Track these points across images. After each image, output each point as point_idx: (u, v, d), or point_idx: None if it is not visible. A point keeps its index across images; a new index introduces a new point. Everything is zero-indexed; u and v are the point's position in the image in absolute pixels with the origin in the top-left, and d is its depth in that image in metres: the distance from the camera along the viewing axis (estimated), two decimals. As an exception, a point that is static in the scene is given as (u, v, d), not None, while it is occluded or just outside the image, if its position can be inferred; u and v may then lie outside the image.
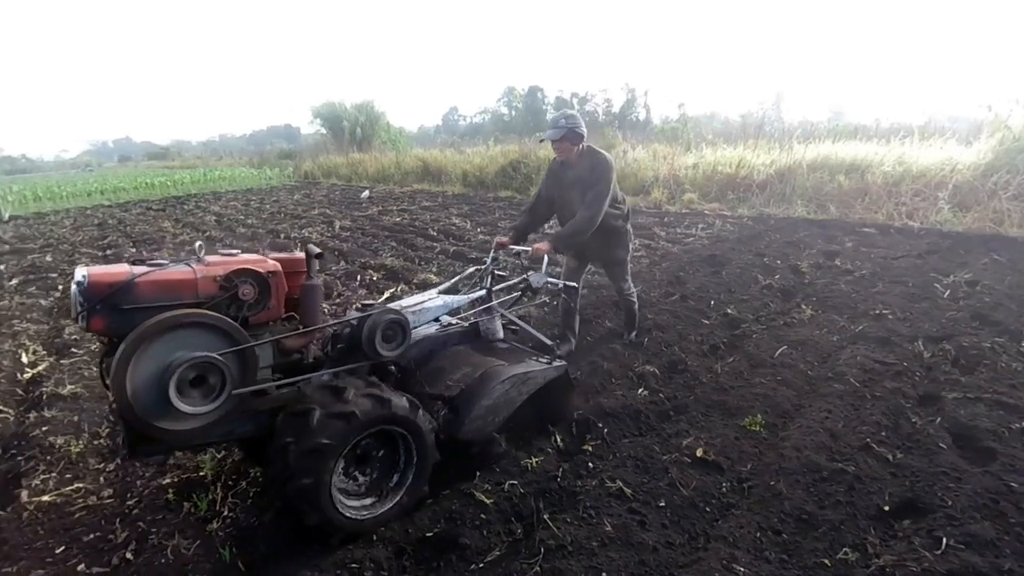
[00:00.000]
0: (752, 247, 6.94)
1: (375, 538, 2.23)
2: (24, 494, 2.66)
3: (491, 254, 3.42)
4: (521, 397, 2.64)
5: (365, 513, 2.27)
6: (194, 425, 2.03)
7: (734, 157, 11.21)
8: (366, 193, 14.89)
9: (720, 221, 8.85)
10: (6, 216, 15.00)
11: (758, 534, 2.20)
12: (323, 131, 30.73)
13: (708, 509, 2.38)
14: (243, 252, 2.39)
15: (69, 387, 3.75)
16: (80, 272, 2.01)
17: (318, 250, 2.44)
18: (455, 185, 15.90)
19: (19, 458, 2.96)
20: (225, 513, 2.48)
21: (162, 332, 1.96)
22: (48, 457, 2.96)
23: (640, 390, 3.32)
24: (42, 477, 2.80)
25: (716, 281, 5.50)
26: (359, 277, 6.38)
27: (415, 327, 2.74)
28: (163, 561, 2.21)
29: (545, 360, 2.84)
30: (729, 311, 4.67)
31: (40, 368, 4.20)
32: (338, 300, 5.57)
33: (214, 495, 2.59)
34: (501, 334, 3.05)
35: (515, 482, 2.48)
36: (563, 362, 2.87)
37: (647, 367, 3.57)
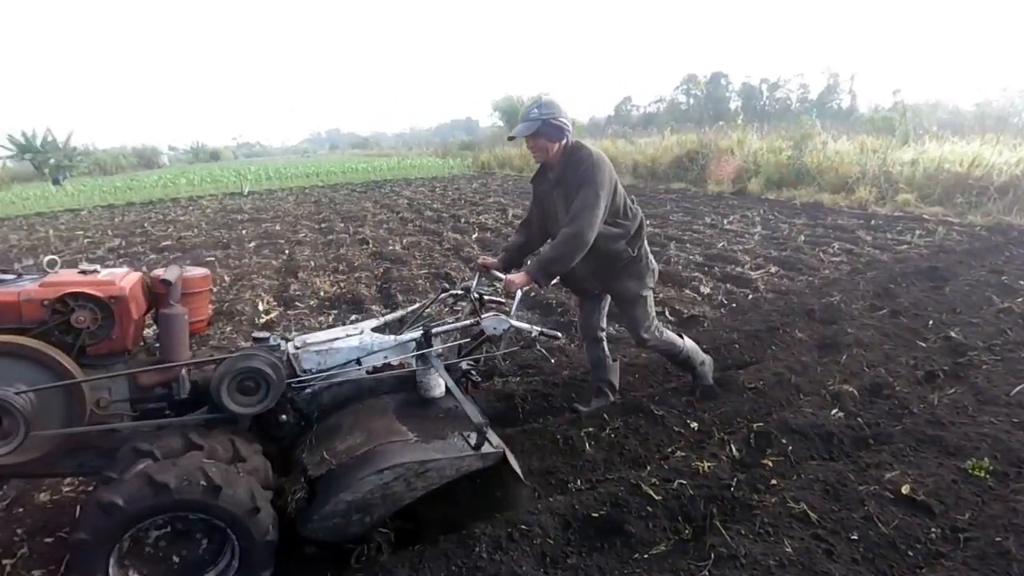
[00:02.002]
0: (986, 262, 5.83)
1: (540, 507, 2.32)
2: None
3: (475, 278, 2.80)
4: (412, 493, 1.98)
5: None
6: (15, 460, 1.86)
7: (966, 154, 9.47)
8: None
9: (943, 228, 7.57)
10: (246, 191, 18.25)
11: (975, 594, 1.88)
12: (500, 123, 32.23)
13: (911, 553, 2.09)
14: (106, 269, 2.12)
15: (293, 333, 4.48)
16: None
17: (174, 277, 2.14)
18: (625, 176, 15.66)
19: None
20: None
21: None
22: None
23: (834, 411, 3.00)
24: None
25: (937, 298, 4.73)
26: (526, 262, 6.64)
27: (320, 370, 2.29)
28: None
29: (471, 443, 2.07)
30: (953, 335, 3.98)
31: (272, 315, 5.08)
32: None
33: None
34: (438, 392, 2.34)
35: (685, 482, 2.41)
36: (497, 448, 2.07)
37: (844, 387, 3.21)
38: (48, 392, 1.88)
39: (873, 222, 8.22)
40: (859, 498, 2.31)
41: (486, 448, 2.05)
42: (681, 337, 3.09)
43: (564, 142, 2.66)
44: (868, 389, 3.26)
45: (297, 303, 5.41)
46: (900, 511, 2.25)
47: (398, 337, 2.42)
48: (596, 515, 2.27)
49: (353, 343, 2.36)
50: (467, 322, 2.49)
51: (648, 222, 9.52)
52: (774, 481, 2.47)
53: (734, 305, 4.89)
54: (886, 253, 6.46)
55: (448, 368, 2.44)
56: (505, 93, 32.74)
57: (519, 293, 2.65)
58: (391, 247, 7.85)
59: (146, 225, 11.79)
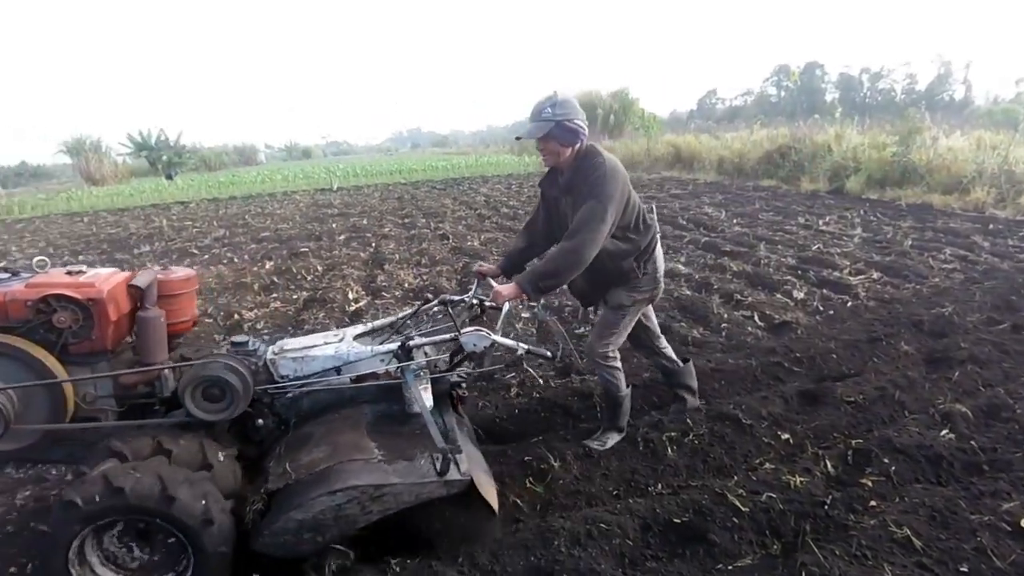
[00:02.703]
0: None
1: (620, 508, 2.32)
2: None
3: (474, 286, 2.66)
4: (367, 517, 1.93)
5: None
6: (3, 448, 2.02)
7: (1109, 150, 8.37)
8: None
9: (1077, 234, 6.75)
10: (335, 187, 19.24)
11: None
12: (577, 120, 32.06)
13: (1031, 594, 1.91)
14: (92, 270, 2.19)
15: (379, 320, 4.68)
16: None
17: (146, 281, 2.19)
18: (708, 172, 15.14)
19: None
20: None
21: None
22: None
23: (943, 432, 2.77)
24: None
25: (1067, 313, 4.23)
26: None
27: (297, 376, 2.26)
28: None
29: (437, 468, 1.99)
30: (1086, 354, 3.56)
31: (360, 304, 5.36)
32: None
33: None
34: (416, 407, 2.24)
35: (774, 495, 2.32)
36: (464, 476, 1.99)
37: (955, 406, 2.95)
38: (31, 388, 1.99)
39: (991, 227, 7.46)
40: (971, 528, 2.13)
41: (451, 475, 1.97)
42: (628, 386, 2.81)
43: (578, 146, 2.46)
44: (983, 410, 2.98)
45: (384, 293, 5.67)
46: (1019, 545, 2.05)
47: (375, 348, 2.30)
48: (678, 521, 2.24)
49: (329, 352, 2.30)
50: (447, 336, 2.30)
51: (734, 221, 9.00)
52: (874, 502, 2.33)
53: (831, 312, 4.61)
54: (1007, 261, 5.85)
55: (435, 380, 2.34)
56: (583, 89, 32.42)
57: (507, 306, 2.48)
58: (470, 243, 8.04)
59: (247, 217, 12.76)
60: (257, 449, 2.30)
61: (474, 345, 2.20)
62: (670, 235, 7.73)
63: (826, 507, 2.29)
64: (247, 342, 2.28)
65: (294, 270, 6.96)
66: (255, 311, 5.42)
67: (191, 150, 40.12)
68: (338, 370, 2.28)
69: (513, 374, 3.71)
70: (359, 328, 2.54)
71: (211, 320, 5.19)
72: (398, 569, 2.01)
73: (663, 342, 3.00)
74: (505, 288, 2.40)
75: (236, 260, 8.01)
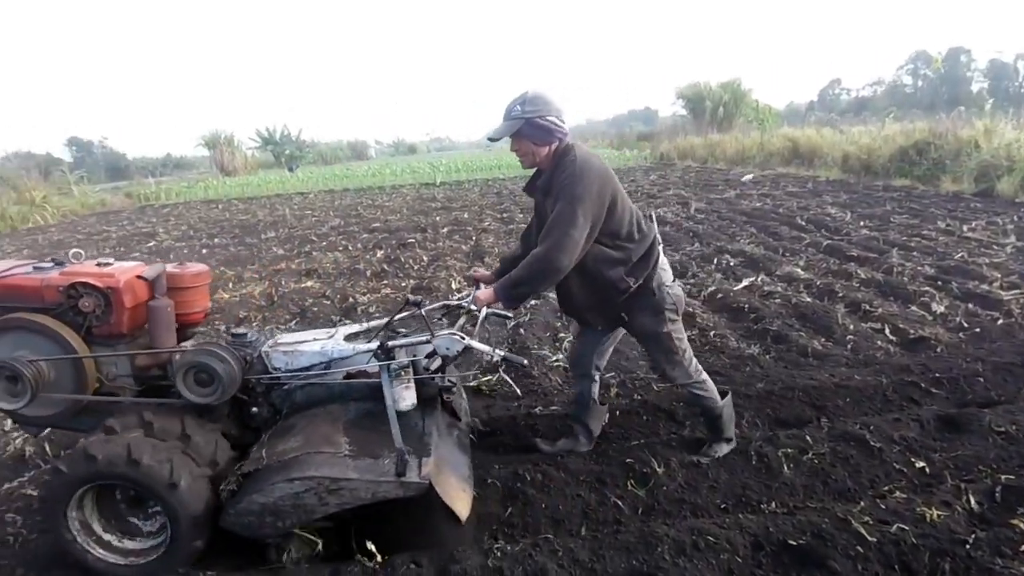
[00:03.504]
0: None
1: (729, 522, 2.23)
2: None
3: (472, 290, 2.64)
4: (325, 508, 2.00)
5: (121, 560, 2.15)
6: (35, 414, 2.28)
7: None
8: (749, 176, 14.37)
9: None
10: (438, 181, 19.95)
11: None
12: (683, 112, 30.86)
13: None
14: (119, 263, 2.38)
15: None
16: None
17: (153, 274, 2.35)
18: (830, 170, 13.96)
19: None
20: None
21: None
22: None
23: (1121, 473, 2.40)
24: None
25: None
26: (715, 260, 6.30)
27: (288, 370, 2.32)
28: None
29: (395, 468, 2.00)
30: None
31: (463, 293, 5.52)
32: (691, 280, 5.64)
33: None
34: (401, 405, 2.23)
35: (906, 528, 2.12)
36: (422, 479, 1.99)
37: None
38: (59, 362, 2.24)
39: None
40: None
41: (410, 476, 1.98)
42: (724, 395, 2.67)
43: (555, 145, 2.30)
44: None
45: (483, 285, 5.82)
46: None
47: (357, 347, 2.34)
48: (793, 543, 2.11)
49: (316, 348, 2.36)
50: (423, 337, 2.24)
51: (860, 223, 8.25)
52: (1026, 547, 2.07)
53: (977, 330, 4.10)
54: None
55: (420, 383, 2.32)
56: (691, 79, 31.15)
57: (484, 310, 2.44)
58: (568, 238, 8.01)
59: (359, 208, 13.62)
60: (253, 435, 2.42)
61: (446, 348, 2.18)
62: (786, 236, 7.26)
63: (968, 547, 2.06)
64: (246, 334, 2.40)
65: (402, 259, 7.35)
66: (367, 296, 5.78)
67: (310, 145, 43.48)
68: (327, 366, 2.34)
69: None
70: (354, 327, 2.59)
71: (328, 302, 5.61)
72: (499, 554, 2.07)
73: (597, 375, 2.81)
74: (483, 293, 2.35)
75: (350, 248, 8.57)
